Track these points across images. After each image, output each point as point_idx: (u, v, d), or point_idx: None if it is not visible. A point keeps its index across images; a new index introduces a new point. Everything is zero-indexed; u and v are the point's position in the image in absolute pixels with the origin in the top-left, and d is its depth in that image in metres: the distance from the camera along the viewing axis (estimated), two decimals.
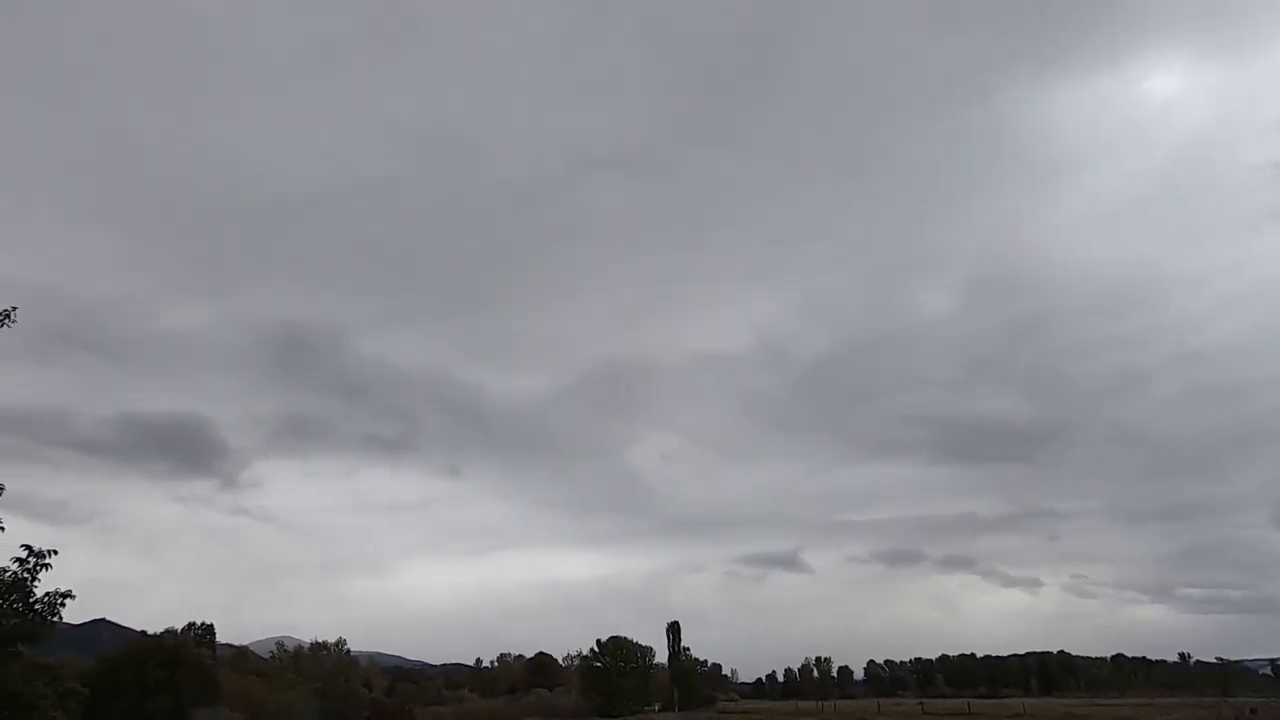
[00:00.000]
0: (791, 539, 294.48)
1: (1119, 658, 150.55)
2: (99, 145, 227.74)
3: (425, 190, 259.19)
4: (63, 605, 9.79)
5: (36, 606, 9.50)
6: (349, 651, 78.62)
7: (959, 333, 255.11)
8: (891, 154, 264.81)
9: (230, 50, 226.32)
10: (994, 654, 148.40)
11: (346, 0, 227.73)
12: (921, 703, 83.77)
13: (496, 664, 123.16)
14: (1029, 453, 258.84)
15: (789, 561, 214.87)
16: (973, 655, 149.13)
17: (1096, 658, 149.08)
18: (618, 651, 72.83)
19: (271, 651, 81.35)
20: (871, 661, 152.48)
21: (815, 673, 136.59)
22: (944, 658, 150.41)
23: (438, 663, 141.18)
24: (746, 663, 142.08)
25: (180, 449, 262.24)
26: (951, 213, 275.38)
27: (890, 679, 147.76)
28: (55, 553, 9.84)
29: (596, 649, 74.32)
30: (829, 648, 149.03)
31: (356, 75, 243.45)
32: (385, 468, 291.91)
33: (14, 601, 9.29)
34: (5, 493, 11.27)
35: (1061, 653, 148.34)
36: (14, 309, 11.79)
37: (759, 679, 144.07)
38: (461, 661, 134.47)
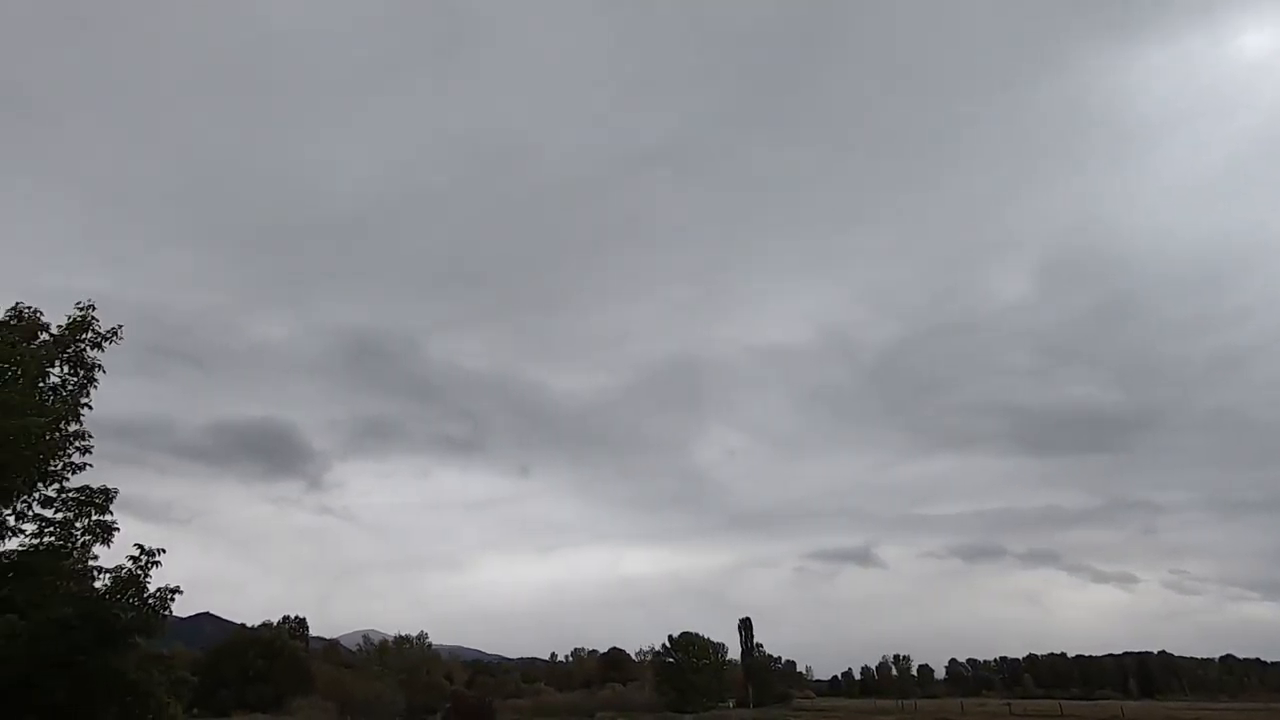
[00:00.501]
0: (863, 534, 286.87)
1: (1229, 659, 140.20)
2: (184, 170, 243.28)
3: (484, 196, 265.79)
4: (172, 600, 10.53)
5: (149, 601, 10.26)
6: (430, 645, 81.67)
7: (1035, 317, 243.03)
8: (955, 132, 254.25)
9: (294, 73, 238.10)
10: (1087, 654, 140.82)
11: (402, 18, 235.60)
12: (1009, 704, 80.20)
13: (570, 659, 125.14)
14: (1117, 441, 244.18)
15: (861, 557, 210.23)
16: (1063, 655, 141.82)
17: (1203, 659, 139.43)
18: (690, 647, 72.77)
19: (358, 644, 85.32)
20: (953, 660, 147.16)
21: (894, 671, 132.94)
22: (1032, 657, 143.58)
23: (514, 657, 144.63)
24: (821, 660, 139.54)
25: (269, 453, 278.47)
26: (1024, 191, 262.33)
27: (974, 678, 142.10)
28: (164, 551, 10.62)
29: (669, 645, 74.48)
30: (907, 645, 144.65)
31: (414, 89, 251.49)
32: (456, 467, 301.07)
33: (130, 596, 10.08)
34: (119, 496, 12.27)
35: (1163, 653, 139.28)
36: (120, 327, 12.77)
37: (834, 676, 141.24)
38: (537, 656, 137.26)
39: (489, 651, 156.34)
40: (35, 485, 11.38)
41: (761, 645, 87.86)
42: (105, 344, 12.62)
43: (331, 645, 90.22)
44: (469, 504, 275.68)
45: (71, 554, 11.56)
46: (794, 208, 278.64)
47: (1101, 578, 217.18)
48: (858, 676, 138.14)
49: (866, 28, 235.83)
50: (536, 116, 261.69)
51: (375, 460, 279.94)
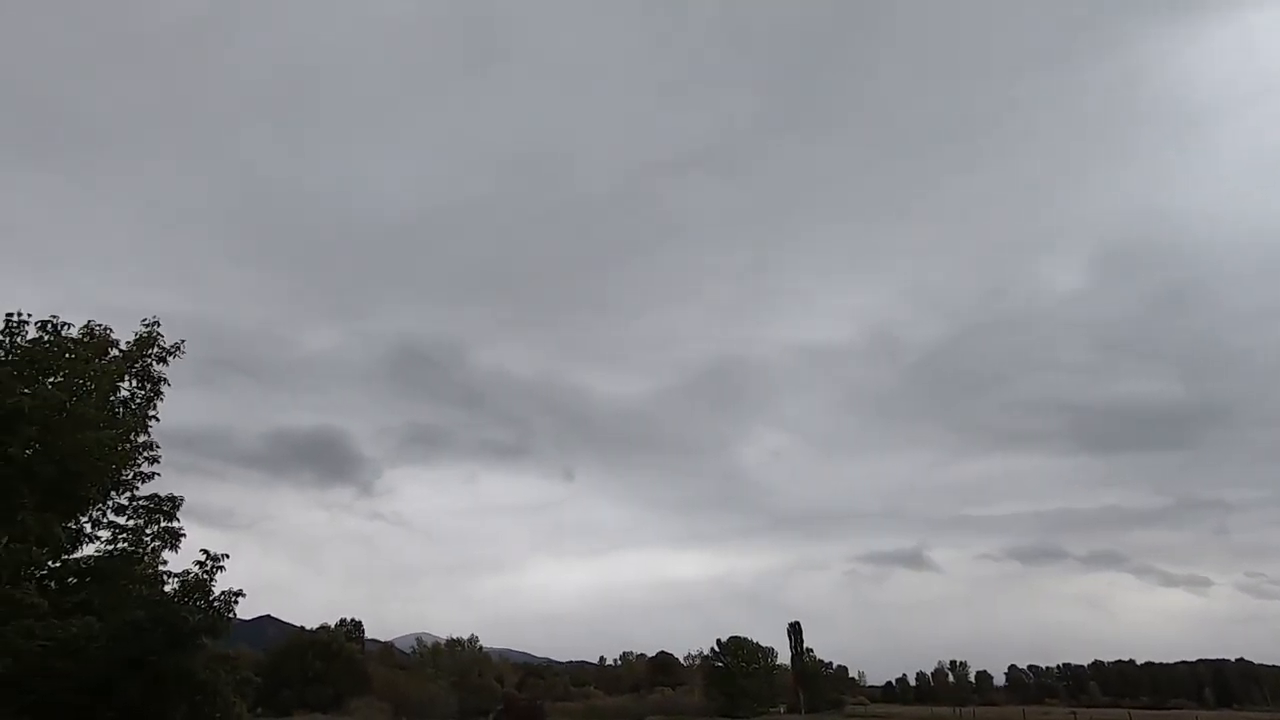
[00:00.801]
0: (914, 536, 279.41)
1: None
2: (240, 190, 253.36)
3: (525, 204, 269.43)
4: (236, 603, 10.98)
5: (215, 604, 10.71)
6: (481, 647, 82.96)
7: (1092, 310, 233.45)
8: (1003, 118, 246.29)
9: (339, 94, 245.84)
10: (1157, 660, 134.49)
11: (438, 34, 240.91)
12: (1074, 712, 77.10)
13: (619, 662, 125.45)
14: (1183, 438, 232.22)
15: (913, 559, 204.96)
16: (1131, 662, 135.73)
17: None
18: (738, 651, 72.19)
19: (412, 646, 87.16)
20: (1013, 666, 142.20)
21: (950, 677, 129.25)
22: (1097, 664, 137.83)
23: (563, 660, 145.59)
24: (874, 665, 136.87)
25: (323, 460, 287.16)
26: (1077, 178, 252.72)
27: (1035, 685, 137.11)
28: (227, 556, 11.08)
29: (717, 649, 74.02)
30: (963, 650, 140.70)
31: (453, 102, 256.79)
32: (503, 472, 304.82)
33: (197, 599, 10.55)
34: (184, 503, 12.86)
35: (1240, 660, 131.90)
36: (182, 342, 13.40)
37: (888, 682, 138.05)
38: (586, 659, 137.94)
39: (538, 654, 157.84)
40: (109, 494, 12.03)
41: (812, 650, 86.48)
42: (169, 358, 13.25)
43: (386, 647, 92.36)
44: (516, 508, 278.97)
45: (143, 559, 12.16)
46: (835, 204, 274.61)
47: (1170, 581, 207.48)
48: (912, 682, 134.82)
49: (904, 13, 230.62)
50: (574, 123, 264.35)
51: (424, 466, 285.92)
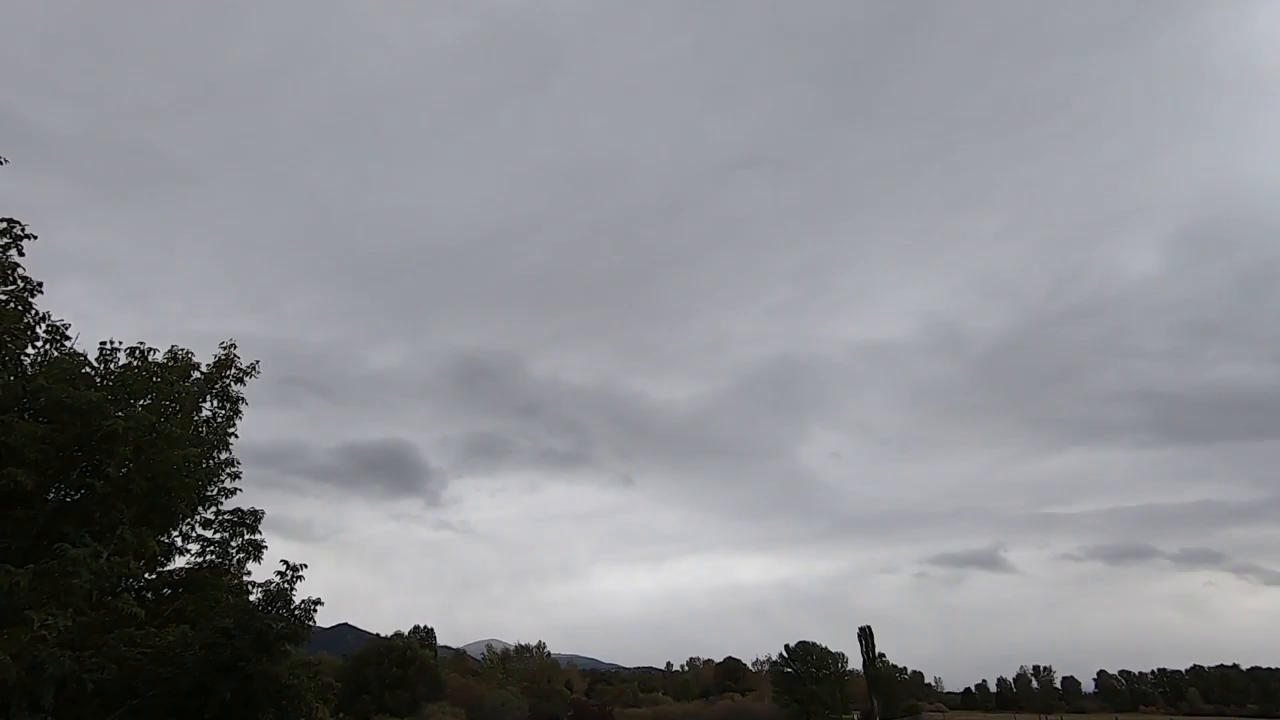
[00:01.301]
0: (988, 536, 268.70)
1: None
2: (306, 217, 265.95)
3: (578, 215, 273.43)
4: (315, 611, 11.43)
5: (296, 612, 11.18)
6: (549, 654, 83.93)
7: (1172, 293, 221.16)
8: (1069, 98, 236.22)
9: (394, 119, 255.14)
10: (1265, 665, 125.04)
11: (486, 56, 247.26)
12: None
13: (686, 667, 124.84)
14: None
15: (988, 561, 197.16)
16: (1235, 667, 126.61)
17: None
18: (808, 657, 70.81)
19: (483, 653, 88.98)
20: (1102, 672, 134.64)
21: (1034, 682, 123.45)
22: (1197, 669, 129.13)
23: (630, 665, 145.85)
24: (951, 671, 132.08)
25: (391, 472, 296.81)
26: (1150, 157, 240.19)
27: (1129, 692, 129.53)
28: (306, 566, 11.55)
29: (786, 654, 72.81)
30: (1046, 655, 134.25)
31: (504, 120, 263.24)
32: (563, 480, 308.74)
33: (279, 608, 11.04)
34: (265, 516, 13.47)
35: None
36: (257, 362, 14.07)
37: (967, 689, 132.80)
38: (653, 665, 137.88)
39: (605, 660, 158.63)
40: (196, 509, 12.72)
41: (884, 655, 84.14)
42: (246, 379, 13.94)
43: (458, 654, 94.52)
44: (577, 516, 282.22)
45: (229, 570, 12.82)
46: (894, 198, 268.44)
47: (1276, 580, 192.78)
48: (993, 688, 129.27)
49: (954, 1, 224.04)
50: (622, 134, 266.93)
51: (487, 476, 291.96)
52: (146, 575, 11.70)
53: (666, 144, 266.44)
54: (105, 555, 8.57)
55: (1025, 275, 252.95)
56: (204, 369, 13.55)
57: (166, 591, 12.31)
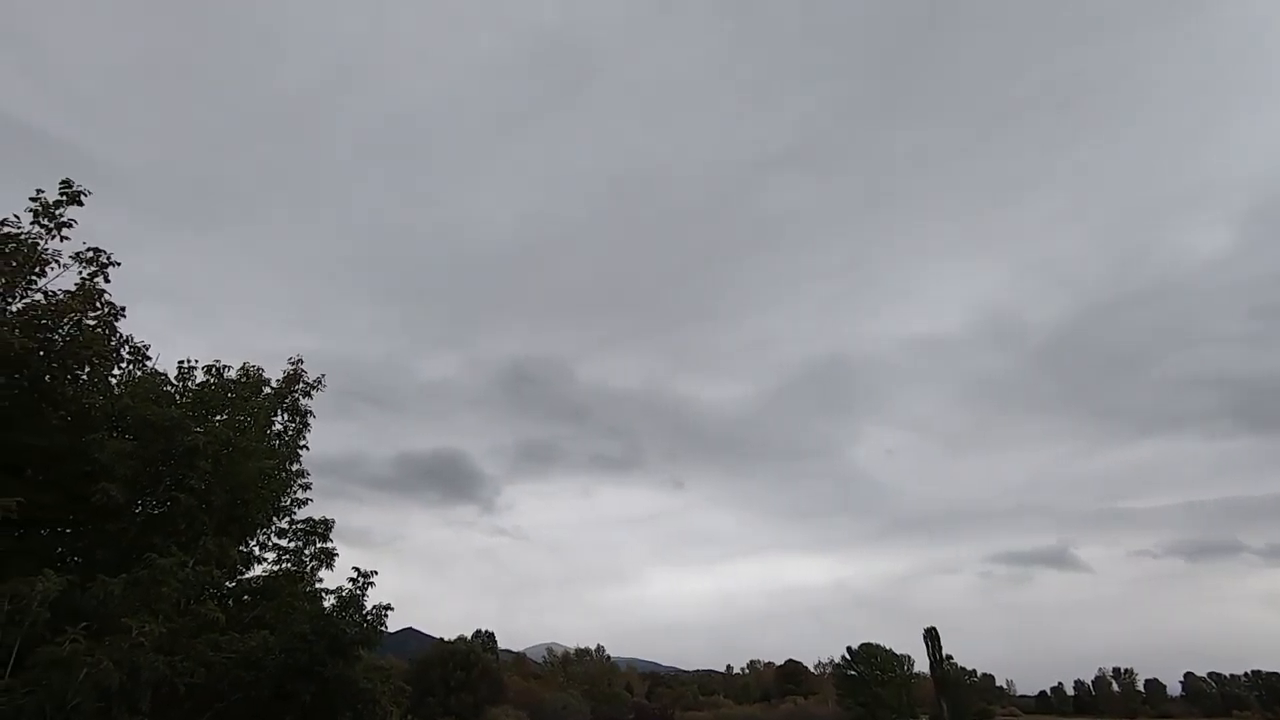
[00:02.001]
0: (1056, 533, 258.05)
1: None
2: (358, 236, 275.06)
3: (620, 221, 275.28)
4: (386, 616, 11.75)
5: (368, 617, 11.51)
6: (608, 657, 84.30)
7: (1245, 274, 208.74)
8: (1128, 72, 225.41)
9: (439, 135, 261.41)
10: None
11: (525, 70, 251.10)
12: None
13: (746, 670, 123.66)
14: None
15: (1057, 558, 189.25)
16: None
17: None
18: (872, 659, 69.23)
19: (543, 656, 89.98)
20: (1189, 674, 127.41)
21: (1115, 685, 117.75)
22: None
23: (689, 668, 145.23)
24: (1022, 673, 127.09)
25: (446, 480, 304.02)
26: (1217, 130, 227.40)
27: (1219, 694, 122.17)
28: (376, 573, 11.89)
29: (849, 656, 71.34)
30: (1126, 656, 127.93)
31: (544, 132, 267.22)
32: (614, 484, 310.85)
33: (352, 613, 11.39)
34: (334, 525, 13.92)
35: None
36: (323, 376, 14.56)
37: (1042, 691, 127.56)
38: (712, 668, 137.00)
39: (665, 663, 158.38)
40: (272, 519, 13.25)
41: (952, 657, 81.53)
42: (313, 392, 14.44)
43: (518, 657, 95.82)
44: (629, 519, 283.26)
45: (303, 577, 13.30)
46: (941, 187, 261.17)
47: None
48: (1070, 691, 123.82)
49: None
50: (661, 137, 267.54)
51: (538, 482, 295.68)
52: (228, 583, 12.24)
53: (705, 146, 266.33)
54: (190, 564, 8.99)
55: (1083, 261, 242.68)
56: (273, 384, 14.09)
57: (246, 598, 12.83)
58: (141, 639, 7.16)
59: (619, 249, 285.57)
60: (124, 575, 8.04)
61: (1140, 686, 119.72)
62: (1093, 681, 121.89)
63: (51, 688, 6.50)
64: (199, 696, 9.28)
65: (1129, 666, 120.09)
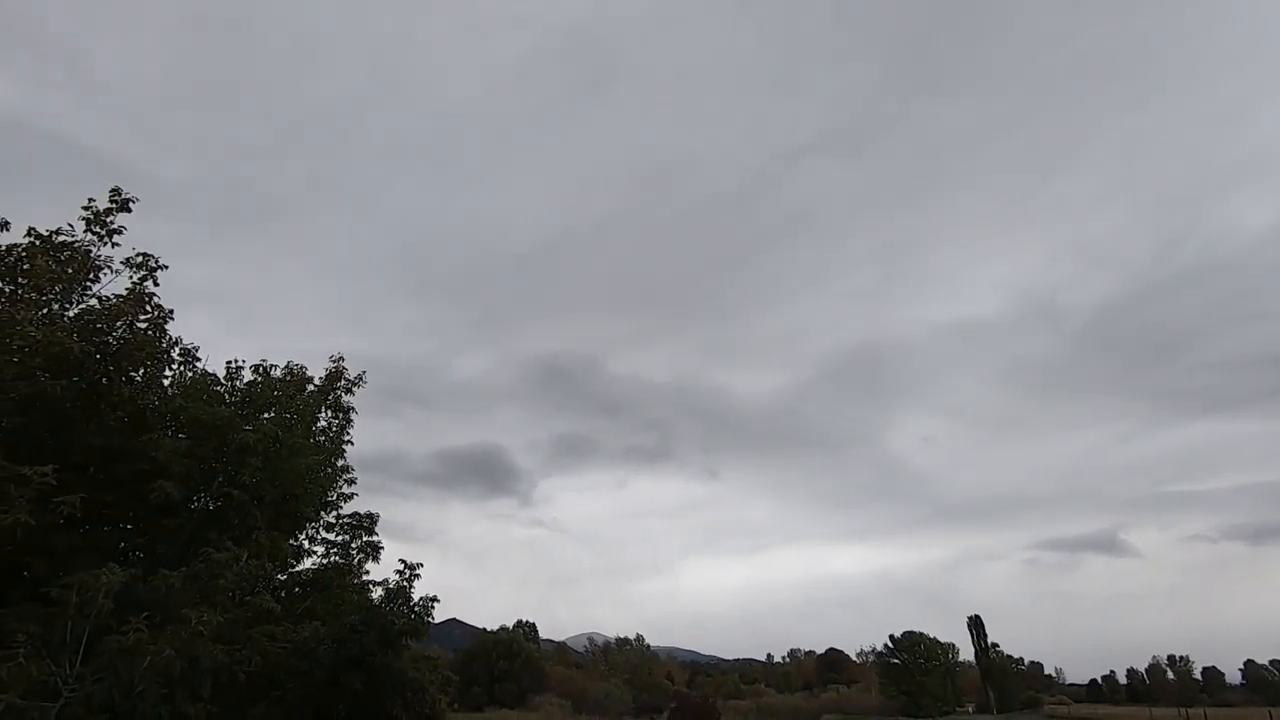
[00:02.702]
0: (1104, 518, 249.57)
1: None
2: (394, 238, 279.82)
3: (650, 214, 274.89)
4: (433, 608, 11.98)
5: (415, 609, 11.74)
6: (648, 646, 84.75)
7: None
8: (1158, 51, 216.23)
9: (469, 135, 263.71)
10: None
11: (554, 66, 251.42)
12: None
13: (787, 659, 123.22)
14: None
15: (1106, 544, 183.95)
16: None
17: None
18: (915, 648, 68.31)
19: (584, 646, 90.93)
20: (1250, 662, 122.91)
21: (1170, 674, 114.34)
22: None
23: (729, 658, 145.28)
24: (1071, 661, 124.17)
25: (484, 474, 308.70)
26: (1263, 102, 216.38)
27: None
28: (422, 565, 12.11)
29: (891, 645, 70.53)
30: (1182, 644, 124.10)
31: (572, 128, 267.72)
32: (649, 476, 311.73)
33: (399, 605, 11.63)
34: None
35: None
36: (364, 373, 14.84)
37: (1093, 680, 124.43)
38: (753, 657, 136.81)
39: (705, 653, 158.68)
40: (320, 513, 13.61)
41: (998, 645, 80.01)
42: (354, 389, 14.73)
43: (560, 647, 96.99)
44: (665, 511, 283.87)
45: (351, 570, 13.63)
46: (974, 169, 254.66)
47: None
48: (1123, 680, 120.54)
49: None
50: (688, 128, 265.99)
51: (574, 475, 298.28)
52: (280, 576, 12.60)
53: (733, 135, 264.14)
54: (244, 558, 9.27)
55: (1126, 240, 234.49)
56: (317, 382, 14.42)
57: (297, 590, 13.20)
58: (200, 629, 7.42)
59: (649, 242, 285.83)
60: (183, 569, 8.33)
61: (1197, 675, 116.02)
62: (1146, 670, 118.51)
63: (119, 675, 6.77)
64: (256, 684, 9.59)
65: (1185, 654, 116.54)
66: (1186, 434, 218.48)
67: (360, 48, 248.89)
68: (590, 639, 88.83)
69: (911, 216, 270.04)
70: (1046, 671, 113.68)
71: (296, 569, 13.46)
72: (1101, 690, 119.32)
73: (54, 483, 7.32)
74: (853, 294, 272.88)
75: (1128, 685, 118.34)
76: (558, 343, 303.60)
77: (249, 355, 13.77)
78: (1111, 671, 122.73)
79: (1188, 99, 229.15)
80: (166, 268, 10.69)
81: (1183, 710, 73.67)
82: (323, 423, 14.33)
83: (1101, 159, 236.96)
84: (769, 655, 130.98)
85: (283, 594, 12.88)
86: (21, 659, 6.21)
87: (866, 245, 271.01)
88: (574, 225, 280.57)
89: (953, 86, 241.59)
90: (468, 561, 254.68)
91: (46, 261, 9.54)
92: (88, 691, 6.67)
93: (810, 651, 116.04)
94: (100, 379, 9.76)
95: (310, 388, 14.40)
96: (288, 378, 14.06)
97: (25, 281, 9.56)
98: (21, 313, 8.96)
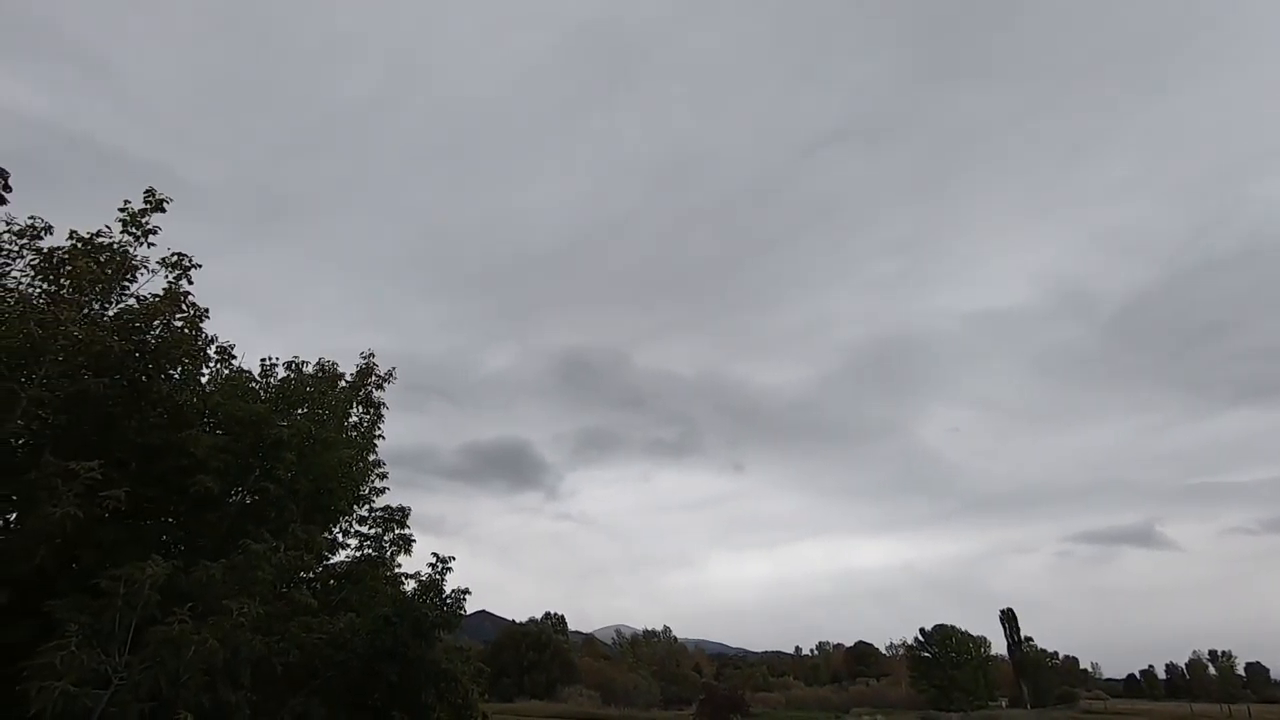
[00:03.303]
0: (1140, 510, 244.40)
1: None
2: (421, 237, 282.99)
3: (670, 209, 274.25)
4: (465, 600, 12.12)
5: (448, 601, 11.90)
6: (676, 639, 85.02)
7: None
8: (1190, 34, 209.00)
9: (490, 133, 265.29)
10: None
11: (572, 63, 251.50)
12: None
13: (816, 652, 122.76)
14: None
15: (1142, 536, 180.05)
16: None
17: None
18: (946, 641, 67.59)
19: (612, 638, 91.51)
20: None
21: (1211, 669, 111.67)
22: None
23: (757, 650, 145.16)
24: (1107, 655, 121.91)
25: (511, 468, 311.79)
26: None
27: None
28: (454, 558, 12.26)
29: (922, 638, 69.87)
30: (1222, 638, 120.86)
31: (594, 124, 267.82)
32: (674, 469, 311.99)
33: (432, 597, 11.79)
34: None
35: None
36: (394, 369, 15.02)
37: (1130, 674, 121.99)
38: (781, 649, 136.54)
39: (733, 645, 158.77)
40: (353, 507, 13.84)
41: (1031, 639, 78.82)
42: (385, 384, 14.93)
43: (588, 639, 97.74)
44: (690, 504, 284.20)
45: (384, 562, 13.85)
46: (999, 156, 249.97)
47: None
48: (1162, 675, 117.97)
49: None
50: (708, 122, 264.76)
51: (599, 468, 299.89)
52: (315, 568, 12.85)
53: (753, 127, 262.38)
54: (281, 550, 9.46)
55: (1158, 225, 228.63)
56: (348, 379, 14.63)
57: (332, 583, 13.45)
58: (241, 619, 7.59)
59: (671, 235, 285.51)
60: (223, 560, 8.53)
61: (1240, 670, 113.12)
62: (1186, 664, 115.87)
63: (164, 664, 6.95)
64: (295, 675, 9.79)
65: (1227, 649, 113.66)
66: (1223, 423, 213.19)
67: (382, 48, 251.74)
68: (618, 631, 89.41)
69: (936, 206, 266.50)
70: (1082, 666, 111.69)
71: (331, 561, 13.71)
72: (1140, 685, 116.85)
73: (99, 477, 7.54)
74: (878, 285, 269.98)
75: (1167, 680, 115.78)
76: (582, 337, 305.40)
77: (280, 353, 13.94)
78: (1150, 666, 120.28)
79: (1218, 82, 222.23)
80: (200, 266, 10.91)
81: (1225, 707, 71.80)
82: (354, 418, 14.54)
83: (1130, 144, 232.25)
84: (797, 648, 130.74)
85: (319, 586, 13.14)
86: (74, 648, 6.41)
87: (891, 236, 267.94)
88: (597, 220, 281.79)
89: (976, 74, 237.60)
90: (496, 554, 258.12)
91: (87, 263, 9.78)
92: (135, 680, 6.86)
93: (839, 644, 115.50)
94: (140, 377, 10.00)
95: (342, 384, 14.61)
96: (320, 374, 14.26)
97: (67, 283, 9.82)
98: (64, 313, 9.20)
